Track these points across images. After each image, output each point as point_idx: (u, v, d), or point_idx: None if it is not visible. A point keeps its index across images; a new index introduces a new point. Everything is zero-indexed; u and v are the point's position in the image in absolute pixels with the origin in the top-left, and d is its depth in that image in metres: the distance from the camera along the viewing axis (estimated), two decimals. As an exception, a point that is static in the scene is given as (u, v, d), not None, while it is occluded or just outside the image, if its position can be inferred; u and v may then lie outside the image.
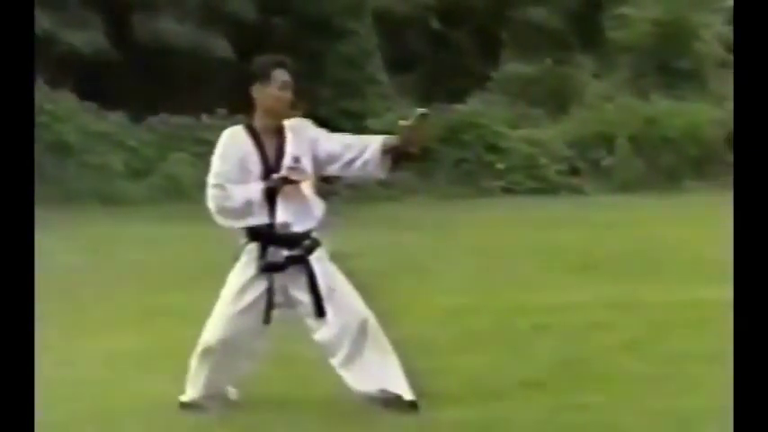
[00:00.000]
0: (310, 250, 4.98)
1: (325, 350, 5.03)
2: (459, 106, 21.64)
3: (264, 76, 5.01)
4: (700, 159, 20.11)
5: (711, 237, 12.08)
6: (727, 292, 8.09)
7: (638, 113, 20.89)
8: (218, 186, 4.93)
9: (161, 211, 16.78)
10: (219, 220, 4.98)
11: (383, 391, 4.95)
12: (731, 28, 24.06)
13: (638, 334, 6.76)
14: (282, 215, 4.88)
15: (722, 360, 5.87)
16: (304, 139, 5.02)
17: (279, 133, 5.00)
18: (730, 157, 20.36)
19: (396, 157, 5.02)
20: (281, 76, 5.02)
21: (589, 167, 20.76)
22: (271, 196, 4.87)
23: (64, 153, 18.53)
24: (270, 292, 4.92)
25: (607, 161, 20.44)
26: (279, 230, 4.88)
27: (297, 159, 4.92)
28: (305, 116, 5.18)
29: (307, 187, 5.01)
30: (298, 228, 4.93)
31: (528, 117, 22.04)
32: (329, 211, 5.16)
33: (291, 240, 4.93)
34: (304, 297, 4.96)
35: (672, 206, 16.41)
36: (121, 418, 4.96)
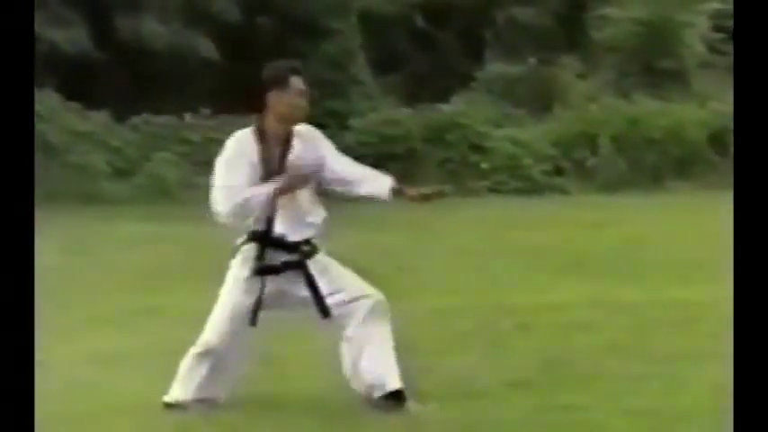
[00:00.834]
0: (308, 256, 4.98)
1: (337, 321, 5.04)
2: (443, 106, 21.66)
3: (281, 83, 5.03)
4: (683, 159, 20.17)
5: (695, 237, 12.14)
6: (710, 292, 8.15)
7: (621, 113, 20.94)
8: (228, 188, 4.91)
9: (145, 211, 16.73)
10: (227, 219, 4.95)
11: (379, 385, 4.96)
12: (714, 29, 24.18)
13: (622, 334, 6.78)
14: (279, 226, 4.89)
15: (705, 359, 5.91)
16: (311, 150, 5.07)
17: (287, 139, 5.02)
18: (713, 158, 20.48)
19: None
20: (297, 83, 5.06)
21: (573, 167, 20.80)
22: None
23: (47, 153, 18.45)
24: (260, 295, 4.91)
25: (591, 161, 20.49)
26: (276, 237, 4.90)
27: (299, 168, 4.96)
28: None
29: (307, 195, 5.03)
30: (294, 237, 4.94)
31: (512, 117, 22.07)
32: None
33: (289, 246, 4.94)
34: (306, 297, 4.97)
35: (655, 206, 16.46)
36: (106, 418, 4.95)
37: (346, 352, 5.02)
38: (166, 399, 5.03)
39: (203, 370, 4.95)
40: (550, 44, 25.55)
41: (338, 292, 5.02)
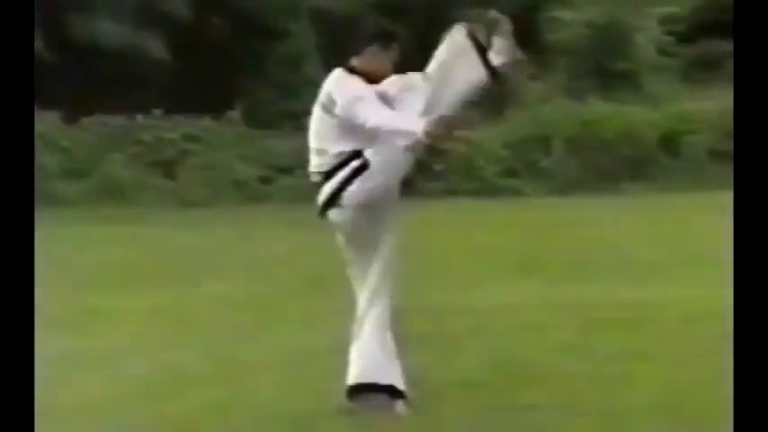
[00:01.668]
0: None
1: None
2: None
3: (386, 44, 5.24)
4: (635, 161, 20.32)
5: (647, 238, 12.25)
6: (662, 292, 8.20)
7: (574, 115, 21.06)
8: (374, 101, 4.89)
9: (97, 212, 16.56)
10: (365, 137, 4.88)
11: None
12: (665, 32, 24.42)
13: (575, 334, 6.80)
14: None
15: (657, 359, 5.95)
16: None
17: None
18: (665, 159, 20.67)
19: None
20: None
21: (527, 169, 20.88)
22: None
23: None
24: None
25: (545, 163, 20.60)
26: None
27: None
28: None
29: None
30: None
31: (466, 118, 22.13)
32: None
33: None
34: None
35: (608, 207, 16.57)
36: (55, 419, 4.87)
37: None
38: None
39: None
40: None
41: None
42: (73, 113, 20.03)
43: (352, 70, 5.06)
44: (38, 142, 19.54)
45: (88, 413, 4.98)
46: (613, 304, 7.78)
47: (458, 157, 20.42)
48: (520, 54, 4.96)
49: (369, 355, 5.02)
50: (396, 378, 5.00)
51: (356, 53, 5.12)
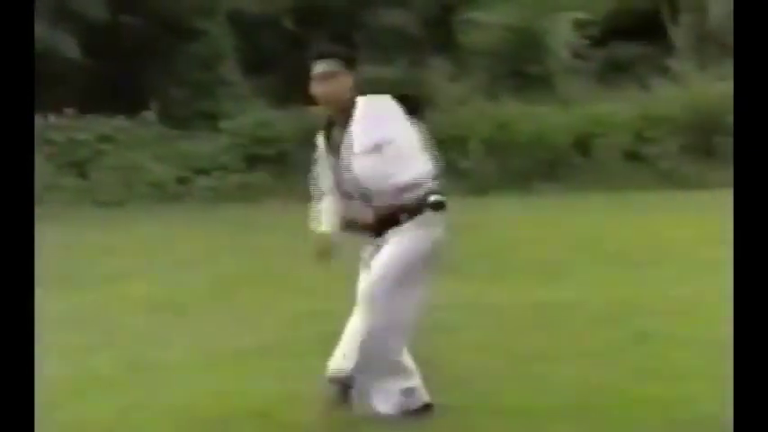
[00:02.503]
0: None
1: None
2: (315, 108, 21.58)
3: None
4: (549, 162, 20.60)
5: (560, 238, 12.42)
6: (576, 293, 8.34)
7: (491, 117, 21.27)
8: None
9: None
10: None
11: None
12: (578, 35, 24.79)
13: (490, 334, 6.89)
14: None
15: (571, 359, 6.06)
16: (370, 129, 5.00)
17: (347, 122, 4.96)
18: (578, 160, 20.98)
19: None
20: (315, 68, 5.05)
21: (444, 170, 20.97)
22: None
23: None
24: None
25: (462, 164, 20.75)
26: None
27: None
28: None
29: None
30: None
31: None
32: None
33: None
34: None
35: (523, 207, 16.78)
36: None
37: None
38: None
39: None
40: (421, 47, 25.79)
41: None
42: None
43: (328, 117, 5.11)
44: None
45: None
46: (528, 304, 7.89)
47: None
48: None
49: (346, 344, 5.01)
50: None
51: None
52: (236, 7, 23.60)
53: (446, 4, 26.48)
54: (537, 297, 8.19)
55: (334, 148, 4.91)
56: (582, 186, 19.77)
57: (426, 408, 4.90)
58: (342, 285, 9.22)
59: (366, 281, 4.86)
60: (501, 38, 23.97)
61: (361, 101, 4.89)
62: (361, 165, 4.74)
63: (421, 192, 4.78)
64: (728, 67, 24.05)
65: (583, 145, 21.13)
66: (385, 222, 4.77)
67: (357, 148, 4.75)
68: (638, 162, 21.23)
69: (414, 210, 4.80)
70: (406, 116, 4.89)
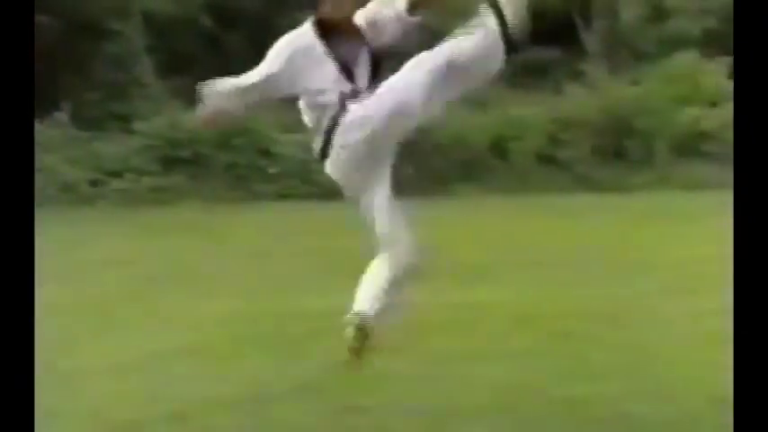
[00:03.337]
0: None
1: None
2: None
3: None
4: (466, 164, 20.76)
5: (476, 239, 12.51)
6: (492, 294, 8.39)
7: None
8: None
9: None
10: None
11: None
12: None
13: (407, 335, 6.88)
14: None
15: (488, 359, 6.09)
16: None
17: None
18: (494, 162, 21.18)
19: None
20: None
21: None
22: None
23: None
24: None
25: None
26: None
27: None
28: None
29: None
30: None
31: (300, 122, 22.08)
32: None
33: None
34: None
35: (441, 209, 16.86)
36: None
37: None
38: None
39: None
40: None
41: None
42: None
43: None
44: None
45: None
46: (447, 305, 7.90)
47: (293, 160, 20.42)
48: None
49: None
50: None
51: None
52: (151, 7, 23.32)
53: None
54: (456, 298, 8.22)
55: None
56: (499, 188, 19.97)
57: None
58: (255, 288, 9.20)
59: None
60: (417, 40, 24.05)
61: None
62: None
63: None
64: (639, 72, 24.55)
65: (499, 147, 21.33)
66: None
67: None
68: (552, 165, 21.51)
69: None
70: None
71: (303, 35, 4.73)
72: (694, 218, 14.83)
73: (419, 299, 8.18)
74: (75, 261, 11.14)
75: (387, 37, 4.80)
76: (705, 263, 10.07)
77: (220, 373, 5.91)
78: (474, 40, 4.55)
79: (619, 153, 21.77)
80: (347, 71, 4.67)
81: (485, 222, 14.35)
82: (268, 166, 20.58)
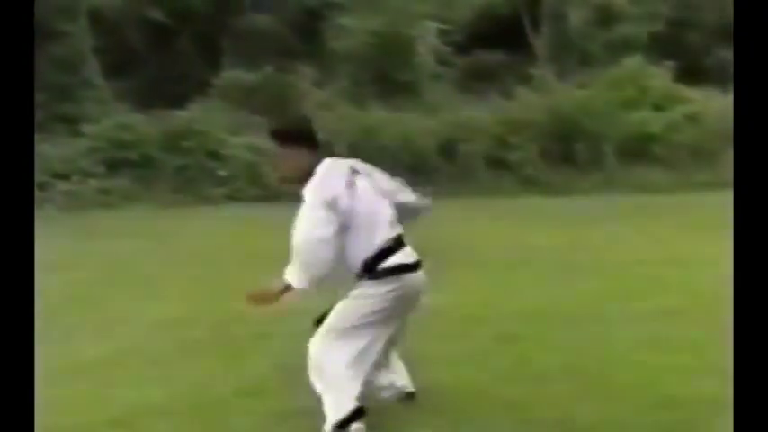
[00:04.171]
0: None
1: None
2: (179, 112, 21.31)
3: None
4: (413, 167, 20.78)
5: (424, 242, 12.50)
6: (437, 297, 8.38)
7: (356, 122, 21.34)
8: None
9: None
10: None
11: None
12: (443, 42, 25.12)
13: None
14: None
15: (432, 362, 6.09)
16: None
17: None
18: (442, 165, 21.23)
19: None
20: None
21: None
22: None
23: None
24: None
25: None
26: None
27: None
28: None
29: None
30: None
31: (249, 124, 22.01)
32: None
33: None
34: None
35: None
36: None
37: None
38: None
39: None
40: (287, 52, 25.74)
41: None
42: None
43: None
44: None
45: None
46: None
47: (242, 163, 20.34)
48: None
49: None
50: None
51: None
52: (98, 7, 23.11)
53: (313, 10, 26.49)
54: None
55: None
56: (447, 192, 20.01)
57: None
58: (200, 292, 9.14)
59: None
60: (367, 43, 24.10)
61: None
62: None
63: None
64: (587, 75, 24.78)
65: (447, 150, 21.40)
66: None
67: None
68: (500, 168, 21.62)
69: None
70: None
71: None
72: (640, 221, 14.99)
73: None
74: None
75: None
76: (651, 265, 10.18)
77: (164, 378, 5.86)
78: None
79: (566, 156, 21.94)
80: None
81: (431, 225, 14.36)
82: (217, 168, 20.47)
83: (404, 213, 5.00)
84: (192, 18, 26.47)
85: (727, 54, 24.38)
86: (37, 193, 18.64)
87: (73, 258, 11.59)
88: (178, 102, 22.07)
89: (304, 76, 24.07)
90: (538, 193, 20.43)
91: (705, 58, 27.17)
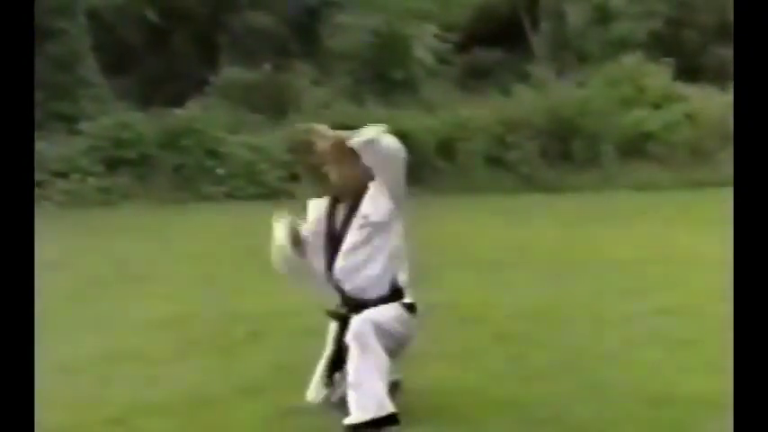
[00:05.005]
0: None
1: None
2: (177, 111, 21.33)
3: None
4: (413, 166, 20.76)
5: (423, 241, 12.52)
6: (435, 295, 8.37)
7: (354, 120, 21.25)
8: None
9: None
10: None
11: None
12: (442, 40, 25.11)
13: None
14: None
15: (427, 361, 6.10)
16: None
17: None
18: (440, 164, 21.25)
19: None
20: None
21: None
22: None
23: None
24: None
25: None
26: None
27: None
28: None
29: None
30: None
31: (248, 122, 22.03)
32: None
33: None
34: None
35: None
36: None
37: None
38: None
39: None
40: (286, 51, 25.74)
41: None
42: None
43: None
44: None
45: None
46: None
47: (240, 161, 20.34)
48: None
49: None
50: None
51: None
52: (96, 6, 23.09)
53: (311, 8, 26.48)
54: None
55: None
56: (445, 190, 20.03)
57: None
58: (199, 290, 9.14)
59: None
60: (366, 42, 24.10)
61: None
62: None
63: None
64: (585, 74, 24.79)
65: (446, 149, 21.41)
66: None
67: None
68: (499, 166, 21.63)
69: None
70: None
71: None
72: (639, 219, 15.00)
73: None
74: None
75: None
76: (649, 263, 10.19)
77: (161, 376, 5.86)
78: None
79: (564, 154, 21.95)
80: None
81: (430, 223, 14.37)
82: (215, 166, 20.48)
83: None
84: (191, 16, 26.46)
85: (725, 52, 24.39)
86: (36, 191, 18.66)
87: (72, 256, 11.60)
88: (177, 100, 22.09)
89: (302, 75, 24.07)
90: (536, 190, 20.44)
91: (703, 57, 27.18)
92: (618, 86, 23.49)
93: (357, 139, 4.81)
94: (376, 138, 4.79)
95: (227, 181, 20.42)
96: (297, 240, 5.10)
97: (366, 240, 4.90)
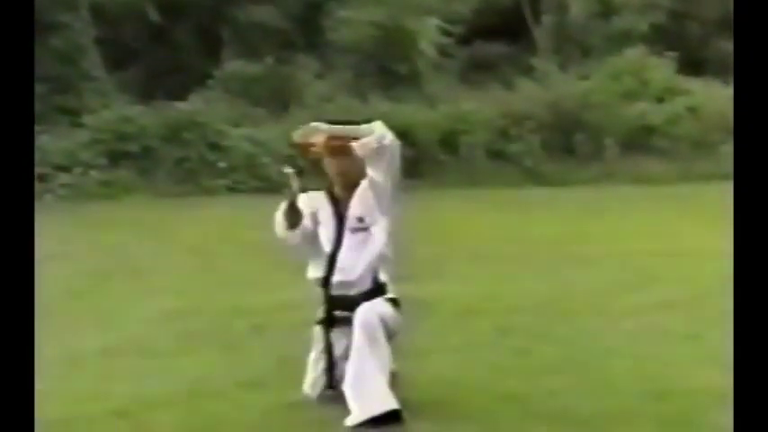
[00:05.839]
0: None
1: None
2: (180, 104, 21.29)
3: None
4: (414, 159, 20.77)
5: (425, 234, 12.52)
6: (438, 288, 8.36)
7: (357, 114, 21.30)
8: None
9: None
10: None
11: None
12: (444, 33, 25.07)
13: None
14: None
15: (429, 355, 6.10)
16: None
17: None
18: (443, 157, 21.23)
19: None
20: None
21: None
22: None
23: None
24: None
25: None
26: None
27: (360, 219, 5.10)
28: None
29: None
30: None
31: (250, 116, 22.00)
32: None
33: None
34: None
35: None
36: None
37: None
38: None
39: None
40: (288, 44, 25.70)
41: None
42: None
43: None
44: None
45: None
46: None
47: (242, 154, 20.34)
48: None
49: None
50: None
51: None
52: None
53: (314, 2, 26.43)
54: (402, 293, 8.19)
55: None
56: (448, 183, 20.01)
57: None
58: (200, 283, 9.14)
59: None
60: (368, 35, 24.05)
61: None
62: None
63: None
64: (587, 67, 24.75)
65: (448, 142, 21.38)
66: None
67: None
68: (502, 159, 21.61)
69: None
70: None
71: None
72: (641, 212, 14.99)
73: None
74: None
75: None
76: (651, 257, 10.18)
77: (163, 369, 5.86)
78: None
79: (567, 147, 21.92)
80: None
81: (433, 217, 14.36)
82: (217, 160, 20.47)
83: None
84: (193, 10, 26.42)
85: (727, 45, 24.32)
86: (38, 185, 18.64)
87: (74, 250, 11.60)
88: (179, 93, 22.05)
89: (305, 68, 24.04)
90: (539, 184, 20.42)
91: (706, 50, 27.12)
92: (621, 80, 23.45)
93: (363, 141, 4.87)
94: (380, 139, 4.87)
95: (230, 174, 20.40)
96: (296, 218, 5.19)
97: (359, 242, 5.12)
